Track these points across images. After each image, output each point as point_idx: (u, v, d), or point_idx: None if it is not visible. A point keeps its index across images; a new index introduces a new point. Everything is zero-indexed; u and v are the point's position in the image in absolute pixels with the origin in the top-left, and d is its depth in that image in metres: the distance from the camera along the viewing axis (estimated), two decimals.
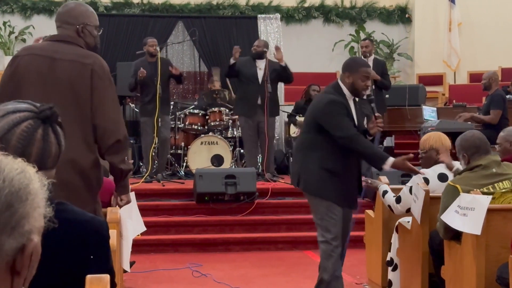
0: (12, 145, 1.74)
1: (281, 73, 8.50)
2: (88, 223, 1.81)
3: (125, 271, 4.17)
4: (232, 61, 8.39)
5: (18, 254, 1.08)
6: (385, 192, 4.80)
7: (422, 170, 4.62)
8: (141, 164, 9.34)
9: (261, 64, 8.51)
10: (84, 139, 3.27)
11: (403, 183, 7.20)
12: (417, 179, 4.53)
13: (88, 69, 3.30)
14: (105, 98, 3.31)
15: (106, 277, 1.58)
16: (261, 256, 6.82)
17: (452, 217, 3.81)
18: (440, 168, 4.60)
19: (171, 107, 9.07)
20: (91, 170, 3.27)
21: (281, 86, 9.99)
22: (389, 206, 4.69)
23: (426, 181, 4.52)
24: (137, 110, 10.23)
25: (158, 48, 8.57)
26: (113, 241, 2.36)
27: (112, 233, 2.46)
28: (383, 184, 4.92)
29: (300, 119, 10.11)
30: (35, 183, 1.11)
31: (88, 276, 1.59)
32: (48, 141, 1.81)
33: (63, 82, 3.29)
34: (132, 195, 3.80)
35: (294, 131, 10.07)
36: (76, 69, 3.30)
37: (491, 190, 3.87)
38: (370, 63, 8.56)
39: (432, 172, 4.58)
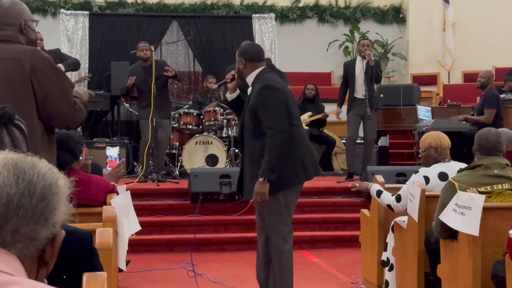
0: None
1: None
2: (71, 235, 1.77)
3: (120, 271, 4.15)
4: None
5: (48, 244, 1.19)
6: (379, 192, 4.79)
7: (422, 169, 4.63)
8: (136, 164, 9.32)
9: None
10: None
11: (398, 182, 7.22)
12: (417, 177, 4.54)
13: (27, 65, 3.20)
14: (51, 92, 3.21)
15: (103, 274, 1.56)
16: (256, 256, 6.80)
17: (450, 217, 3.80)
18: (440, 167, 4.60)
19: (171, 109, 8.98)
20: None
21: None
22: (388, 205, 4.68)
23: (426, 179, 4.52)
24: (131, 110, 10.24)
25: (151, 50, 8.43)
26: (109, 239, 2.34)
27: (108, 231, 2.44)
28: (374, 184, 4.91)
29: None
30: (61, 180, 1.22)
31: (85, 274, 1.57)
32: (1, 143, 1.80)
33: (1, 81, 3.21)
34: (127, 194, 3.78)
35: None
36: (13, 67, 3.22)
37: (489, 189, 3.87)
38: (365, 62, 8.54)
39: (432, 171, 4.58)
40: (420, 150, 4.78)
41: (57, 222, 1.19)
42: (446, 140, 4.72)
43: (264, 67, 4.41)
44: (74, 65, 8.53)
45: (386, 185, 5.11)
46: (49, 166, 1.22)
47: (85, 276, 1.57)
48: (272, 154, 4.10)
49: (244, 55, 4.44)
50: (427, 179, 4.53)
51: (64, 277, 1.69)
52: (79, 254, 1.73)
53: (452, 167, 4.58)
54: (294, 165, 4.26)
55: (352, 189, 5.19)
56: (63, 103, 3.25)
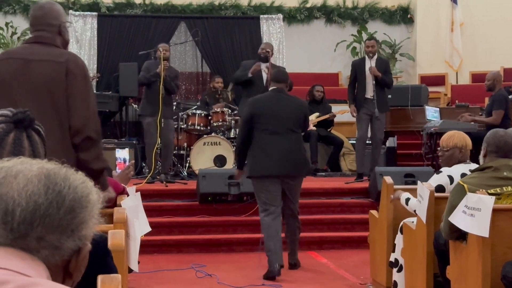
0: None
1: None
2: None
3: (130, 271, 4.17)
4: (249, 75, 8.51)
5: (74, 256, 1.21)
6: (408, 199, 4.77)
7: (445, 168, 4.61)
8: (144, 165, 9.34)
9: (264, 66, 8.54)
10: (63, 140, 3.23)
11: (407, 183, 7.21)
12: (441, 177, 4.53)
13: (63, 68, 3.26)
14: (76, 96, 3.27)
15: (118, 277, 1.58)
16: (264, 257, 6.81)
17: (459, 218, 3.80)
18: (462, 168, 4.58)
19: (174, 108, 9.04)
20: None
21: None
22: (414, 211, 4.65)
23: (451, 179, 4.51)
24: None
25: (168, 53, 8.62)
26: (121, 241, 2.36)
27: (120, 233, 2.46)
28: (404, 193, 4.88)
29: None
30: (94, 194, 1.24)
31: (100, 276, 1.59)
32: (21, 146, 1.82)
33: (39, 84, 3.26)
34: (138, 195, 3.80)
35: None
36: (51, 69, 3.27)
37: (498, 191, 3.87)
38: (373, 62, 8.54)
39: (455, 171, 4.57)
40: (442, 149, 4.74)
41: (84, 236, 1.21)
42: (470, 142, 4.73)
43: (275, 87, 6.06)
44: None
45: (395, 186, 5.12)
46: (84, 179, 1.24)
47: (100, 278, 1.59)
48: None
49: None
50: (451, 179, 4.51)
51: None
52: (95, 256, 1.74)
53: (471, 168, 4.57)
54: (252, 162, 5.91)
55: (390, 201, 5.13)
56: (82, 103, 3.29)
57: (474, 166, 4.57)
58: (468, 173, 4.49)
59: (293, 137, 5.94)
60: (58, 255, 1.18)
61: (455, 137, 4.70)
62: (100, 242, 1.83)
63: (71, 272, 1.22)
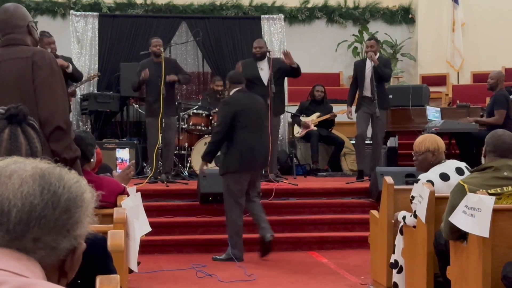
0: None
1: (288, 70, 8.55)
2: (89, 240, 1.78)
3: (130, 272, 4.17)
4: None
5: (69, 255, 1.21)
6: (404, 218, 4.79)
7: (422, 175, 4.63)
8: (145, 164, 9.34)
9: (262, 65, 8.48)
10: None
11: (407, 183, 7.20)
12: (420, 184, 4.54)
13: (29, 62, 3.32)
14: (43, 87, 3.31)
15: (116, 277, 1.58)
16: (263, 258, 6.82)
17: (460, 218, 3.80)
18: (439, 168, 4.61)
19: (176, 108, 9.04)
20: None
21: (284, 87, 9.99)
22: (414, 226, 4.66)
23: (431, 183, 4.52)
24: (140, 111, 10.24)
25: (162, 48, 8.54)
26: (120, 241, 2.35)
27: (119, 233, 2.46)
28: (400, 212, 4.88)
29: (304, 119, 10.11)
30: (88, 193, 1.24)
31: (98, 276, 1.59)
32: (17, 141, 1.81)
33: (9, 81, 3.32)
34: (138, 195, 3.80)
35: (297, 131, 10.06)
36: (19, 66, 3.33)
37: (499, 191, 3.86)
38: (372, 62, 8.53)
39: (433, 174, 4.59)
40: (415, 154, 4.76)
41: (79, 235, 1.21)
42: (442, 144, 4.75)
43: (240, 88, 6.62)
44: (78, 74, 8.44)
45: (396, 187, 5.12)
46: (77, 178, 1.24)
47: (98, 279, 1.58)
48: (208, 146, 6.89)
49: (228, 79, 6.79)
50: (431, 184, 4.52)
51: (79, 281, 1.70)
52: (94, 258, 1.74)
53: (450, 166, 4.62)
54: (239, 157, 6.38)
55: (394, 225, 5.13)
56: (49, 94, 3.32)
57: (451, 162, 4.62)
58: (446, 171, 4.53)
59: (266, 131, 6.85)
60: (54, 255, 1.19)
61: (426, 141, 4.72)
62: (100, 245, 1.82)
63: (67, 271, 1.22)
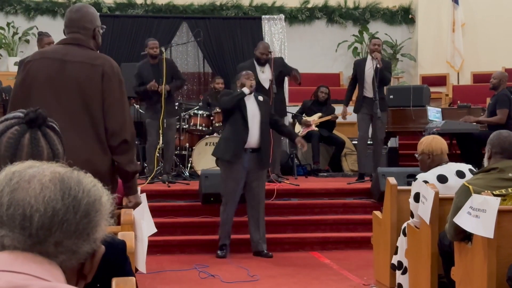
0: (1, 155, 1.74)
1: (289, 75, 8.62)
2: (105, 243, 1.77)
3: (137, 272, 4.16)
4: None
5: (89, 259, 1.22)
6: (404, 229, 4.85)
7: (421, 174, 4.66)
8: (146, 165, 9.33)
9: (263, 68, 8.46)
10: (98, 140, 3.28)
11: (409, 184, 7.20)
12: (418, 184, 4.55)
13: (99, 71, 3.32)
14: (113, 99, 3.34)
15: (132, 279, 1.58)
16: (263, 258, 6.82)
17: (465, 219, 3.81)
18: (438, 170, 4.62)
19: (176, 107, 9.04)
20: (107, 171, 3.26)
21: (284, 87, 10.00)
22: (415, 226, 4.68)
23: (427, 183, 4.53)
24: (141, 111, 10.23)
25: (159, 50, 8.51)
26: (131, 243, 2.36)
27: (130, 235, 2.46)
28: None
29: (305, 118, 10.13)
30: (105, 196, 1.25)
31: (114, 278, 1.59)
32: (38, 145, 1.80)
33: (72, 84, 3.31)
34: (143, 196, 3.80)
35: (299, 130, 10.07)
36: (86, 71, 3.33)
37: (504, 192, 3.87)
38: (375, 62, 8.50)
39: (430, 175, 4.60)
40: (417, 154, 4.84)
41: (98, 238, 1.23)
42: (439, 147, 4.74)
43: None
44: None
45: (399, 187, 5.13)
46: (94, 182, 1.25)
47: (114, 281, 1.59)
48: None
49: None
50: (426, 183, 4.54)
51: (98, 285, 1.70)
52: (114, 262, 1.74)
53: (450, 168, 4.63)
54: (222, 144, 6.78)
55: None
56: (119, 106, 3.36)
57: (452, 165, 4.63)
58: (445, 173, 4.55)
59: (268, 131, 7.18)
60: (75, 259, 1.20)
61: (422, 144, 4.79)
62: (119, 248, 1.82)
63: (86, 274, 1.24)
